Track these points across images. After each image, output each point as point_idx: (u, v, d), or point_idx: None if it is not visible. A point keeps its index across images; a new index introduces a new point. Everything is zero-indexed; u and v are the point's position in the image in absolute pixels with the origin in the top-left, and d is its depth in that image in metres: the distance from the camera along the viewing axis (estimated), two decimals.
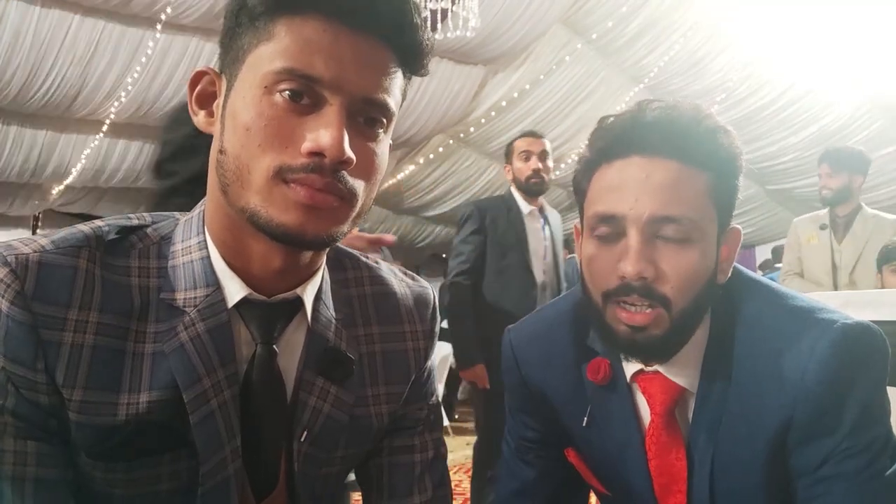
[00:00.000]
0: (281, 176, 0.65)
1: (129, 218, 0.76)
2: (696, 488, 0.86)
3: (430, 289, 0.92)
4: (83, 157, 6.54)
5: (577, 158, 0.92)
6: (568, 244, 6.84)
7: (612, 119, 0.88)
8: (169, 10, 5.14)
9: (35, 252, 0.67)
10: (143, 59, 5.51)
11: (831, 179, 3.26)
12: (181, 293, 0.71)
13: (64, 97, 5.65)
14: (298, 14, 0.65)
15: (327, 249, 0.79)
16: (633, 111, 0.86)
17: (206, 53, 5.83)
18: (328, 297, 0.80)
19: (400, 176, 8.65)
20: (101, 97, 5.76)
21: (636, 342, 0.83)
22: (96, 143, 6.40)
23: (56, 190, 7.25)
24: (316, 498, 0.80)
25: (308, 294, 0.76)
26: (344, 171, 0.66)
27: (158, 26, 5.31)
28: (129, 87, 5.71)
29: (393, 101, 0.70)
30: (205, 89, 0.73)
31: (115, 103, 5.86)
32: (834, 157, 3.27)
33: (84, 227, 0.72)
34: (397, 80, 0.71)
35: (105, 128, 6.22)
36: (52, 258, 0.67)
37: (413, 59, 0.72)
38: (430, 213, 9.82)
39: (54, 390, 0.66)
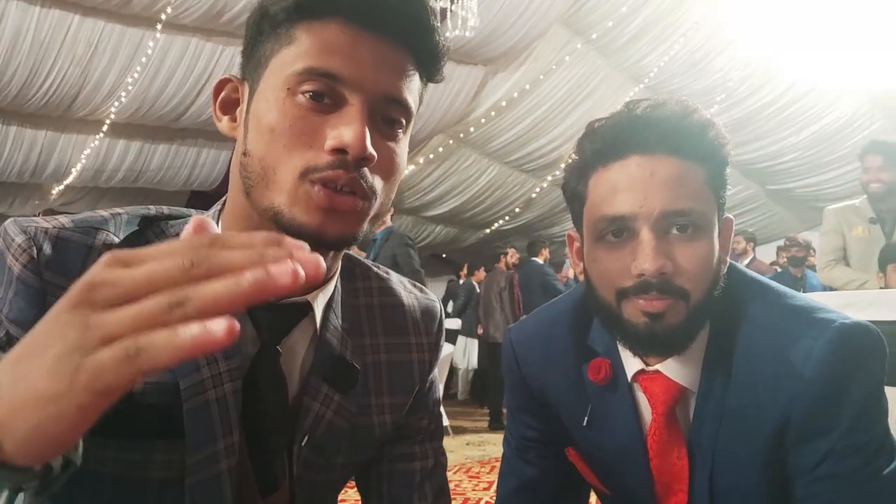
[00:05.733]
0: (307, 176, 0.66)
1: (148, 209, 0.79)
2: (697, 487, 0.87)
3: (438, 302, 0.93)
4: (83, 157, 6.55)
5: (564, 166, 0.92)
6: (533, 247, 6.24)
7: (602, 122, 0.88)
8: (169, 10, 5.15)
9: (54, 228, 0.70)
10: (143, 59, 5.52)
11: (883, 172, 3.02)
12: None
13: (64, 97, 5.66)
14: (318, 19, 0.68)
15: (342, 258, 0.81)
16: (623, 112, 0.87)
17: (206, 53, 5.84)
18: (339, 307, 0.81)
19: None
20: (101, 97, 5.78)
21: (656, 334, 0.83)
22: (96, 143, 6.41)
23: (56, 190, 7.26)
24: (315, 503, 0.81)
25: (319, 301, 0.77)
26: (365, 168, 0.67)
27: (158, 26, 5.32)
28: (129, 87, 5.73)
29: (412, 100, 0.72)
30: (228, 96, 0.75)
31: (115, 103, 5.87)
32: (884, 149, 3.05)
33: (104, 213, 0.75)
34: (415, 82, 0.73)
35: (105, 128, 6.23)
36: (70, 234, 0.70)
37: (429, 63, 0.74)
38: (430, 213, 9.82)
39: None
